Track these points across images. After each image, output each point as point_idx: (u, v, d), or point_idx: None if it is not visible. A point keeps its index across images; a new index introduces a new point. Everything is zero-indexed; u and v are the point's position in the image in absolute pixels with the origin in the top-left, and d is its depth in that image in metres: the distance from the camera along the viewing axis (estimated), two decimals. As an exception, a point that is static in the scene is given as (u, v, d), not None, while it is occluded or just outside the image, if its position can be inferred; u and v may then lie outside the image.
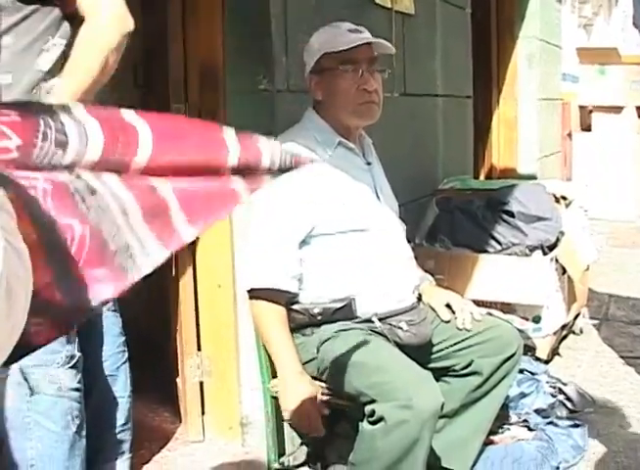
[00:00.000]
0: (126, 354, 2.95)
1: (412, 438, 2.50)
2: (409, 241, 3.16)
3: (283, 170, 1.34)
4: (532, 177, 6.41)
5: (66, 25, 2.38)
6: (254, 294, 2.73)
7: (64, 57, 2.35)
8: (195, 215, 1.27)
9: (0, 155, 1.13)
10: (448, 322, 2.96)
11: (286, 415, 2.73)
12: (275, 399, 2.80)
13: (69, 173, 1.20)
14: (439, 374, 2.90)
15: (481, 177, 6.78)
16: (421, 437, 2.51)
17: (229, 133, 1.30)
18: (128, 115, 1.27)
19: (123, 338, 2.93)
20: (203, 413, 3.35)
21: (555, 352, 4.60)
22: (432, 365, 2.90)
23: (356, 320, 2.77)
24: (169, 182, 1.25)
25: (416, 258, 3.14)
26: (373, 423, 2.56)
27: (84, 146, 1.18)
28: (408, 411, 2.47)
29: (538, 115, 7.37)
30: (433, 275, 3.22)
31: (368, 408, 2.57)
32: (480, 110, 6.54)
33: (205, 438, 3.35)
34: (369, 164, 2.99)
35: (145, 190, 1.23)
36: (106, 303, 1.32)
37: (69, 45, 2.35)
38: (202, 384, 3.31)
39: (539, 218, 4.27)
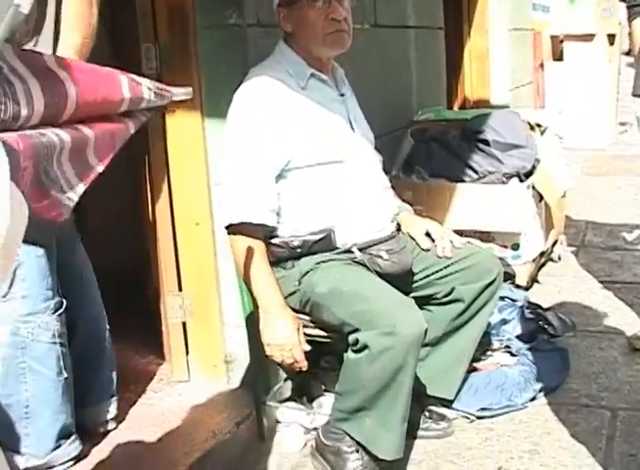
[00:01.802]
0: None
1: (397, 364, 2.53)
2: (386, 173, 3.15)
3: (154, 106, 1.56)
4: (505, 108, 6.39)
5: None
6: (233, 229, 2.72)
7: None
8: (102, 153, 1.43)
9: None
10: (428, 251, 2.97)
11: (268, 350, 2.74)
12: (258, 334, 2.80)
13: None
14: (421, 303, 2.91)
15: (455, 109, 6.74)
16: (405, 363, 2.53)
17: (123, 77, 1.48)
18: (53, 63, 1.35)
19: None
20: (187, 353, 3.34)
21: (534, 279, 4.63)
22: (413, 294, 2.91)
23: (336, 251, 2.77)
24: (85, 125, 1.38)
25: (393, 188, 3.13)
26: (357, 352, 2.58)
27: (31, 107, 1.27)
28: (392, 338, 2.49)
29: (509, 45, 7.33)
30: (411, 206, 3.22)
31: (352, 337, 2.58)
32: (452, 42, 6.49)
33: (190, 377, 3.35)
34: (342, 95, 2.97)
35: (72, 131, 1.33)
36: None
37: None
38: (184, 324, 3.31)
39: (515, 146, 4.26)
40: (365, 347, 2.54)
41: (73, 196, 1.39)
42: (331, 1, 2.77)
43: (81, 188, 1.41)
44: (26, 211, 1.22)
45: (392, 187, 3.12)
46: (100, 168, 1.43)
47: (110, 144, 1.45)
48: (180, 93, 1.61)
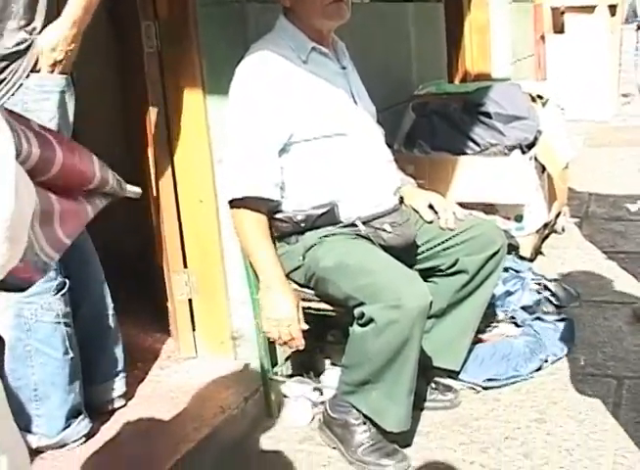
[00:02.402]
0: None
1: (403, 337, 2.54)
2: (388, 146, 3.15)
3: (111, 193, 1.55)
4: (507, 80, 6.37)
5: None
6: (236, 204, 2.73)
7: None
8: (68, 227, 1.41)
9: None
10: (431, 223, 2.97)
11: (265, 325, 2.77)
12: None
13: None
14: (426, 275, 2.92)
15: (456, 82, 6.73)
16: (411, 335, 2.55)
17: (94, 157, 1.48)
18: (39, 126, 1.37)
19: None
20: (193, 330, 3.36)
21: (538, 250, 4.63)
22: (418, 266, 2.92)
23: (340, 225, 2.78)
24: (54, 196, 1.37)
25: (396, 162, 3.14)
26: (363, 325, 2.59)
27: (29, 148, 1.28)
28: (397, 311, 2.50)
29: (510, 18, 7.31)
30: (414, 179, 3.22)
31: (357, 311, 2.59)
32: (452, 15, 6.46)
33: (197, 354, 3.36)
34: (344, 68, 2.96)
35: (42, 194, 1.32)
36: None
37: None
38: (190, 301, 3.32)
39: (516, 118, 4.25)
40: (371, 320, 2.55)
41: (47, 261, 1.38)
42: None
43: (54, 255, 1.39)
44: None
45: (395, 160, 3.12)
46: (68, 241, 1.42)
47: (74, 221, 1.45)
48: (131, 191, 1.63)
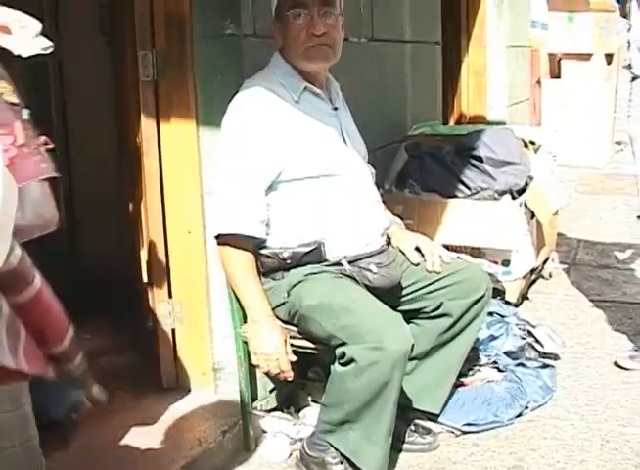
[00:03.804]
0: None
1: (383, 379, 2.54)
2: (378, 187, 3.17)
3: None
4: (502, 124, 6.41)
5: None
6: (222, 240, 2.74)
7: None
8: (29, 358, 1.42)
9: None
10: (418, 265, 2.98)
11: (254, 359, 2.76)
12: (247, 344, 2.82)
13: None
14: (410, 317, 2.93)
15: (451, 124, 6.76)
16: (392, 378, 2.55)
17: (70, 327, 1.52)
18: None
19: None
20: (175, 360, 3.35)
21: (524, 296, 4.64)
22: (402, 308, 2.92)
23: (325, 264, 2.79)
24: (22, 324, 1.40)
25: (384, 202, 3.15)
26: (344, 365, 2.59)
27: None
28: (379, 353, 2.50)
29: (507, 62, 7.35)
30: (402, 220, 3.23)
31: (339, 351, 2.59)
32: (450, 57, 6.52)
33: (178, 384, 3.36)
34: (335, 108, 2.98)
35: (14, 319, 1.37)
36: None
37: None
38: (174, 331, 3.31)
39: (508, 163, 4.28)
40: (352, 360, 2.55)
41: (8, 363, 1.38)
42: (312, 16, 2.79)
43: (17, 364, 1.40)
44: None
45: (383, 201, 3.14)
46: (25, 369, 1.42)
47: (34, 358, 1.45)
48: (96, 393, 1.66)
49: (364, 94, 4.04)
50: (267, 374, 2.84)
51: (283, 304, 2.79)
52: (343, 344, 2.58)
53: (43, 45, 1.98)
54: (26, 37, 1.96)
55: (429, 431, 3.13)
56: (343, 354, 2.57)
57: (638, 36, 3.66)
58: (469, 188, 4.27)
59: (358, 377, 2.55)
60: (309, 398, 3.28)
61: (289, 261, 2.77)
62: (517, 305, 4.34)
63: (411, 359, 2.76)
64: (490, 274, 3.59)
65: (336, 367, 2.64)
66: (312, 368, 3.31)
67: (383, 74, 4.58)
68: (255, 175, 2.72)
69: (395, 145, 4.64)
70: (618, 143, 9.76)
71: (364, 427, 2.65)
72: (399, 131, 4.82)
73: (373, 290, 2.76)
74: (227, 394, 3.25)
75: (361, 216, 2.88)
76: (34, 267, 1.37)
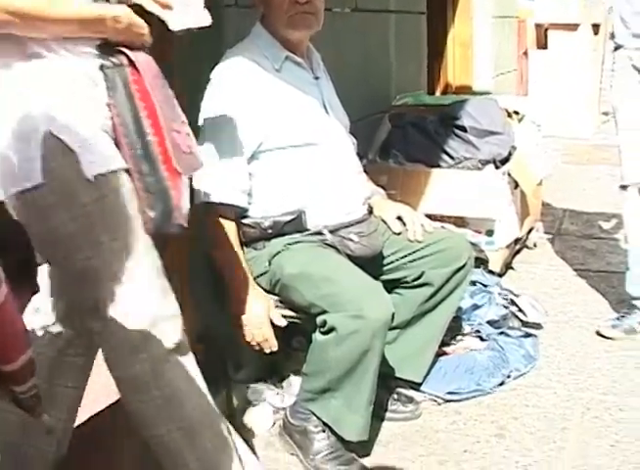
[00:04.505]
0: None
1: (363, 347, 2.55)
2: (362, 157, 3.17)
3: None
4: (487, 94, 6.40)
5: None
6: (204, 209, 2.73)
7: None
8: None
9: None
10: (399, 234, 2.98)
11: (238, 328, 2.76)
12: (229, 313, 2.82)
13: None
14: (391, 286, 2.94)
15: (437, 94, 6.74)
16: (372, 346, 2.56)
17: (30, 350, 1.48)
18: None
19: None
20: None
21: (508, 265, 4.65)
22: (383, 277, 2.93)
23: (307, 233, 2.79)
24: None
25: (367, 172, 3.15)
26: (325, 333, 2.60)
27: None
28: (359, 321, 2.51)
29: (494, 33, 7.34)
30: (385, 190, 3.23)
31: (320, 319, 2.60)
32: (436, 28, 6.49)
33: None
34: (317, 78, 2.97)
35: None
36: None
37: None
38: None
39: (491, 133, 4.28)
40: (332, 329, 2.56)
41: None
42: None
43: None
44: None
45: (366, 172, 3.14)
46: None
47: None
48: (46, 420, 1.65)
49: (348, 64, 4.03)
50: (251, 345, 2.83)
51: (264, 273, 2.79)
52: (324, 312, 2.59)
53: (201, 22, 2.03)
54: (184, 12, 2.04)
55: (411, 400, 3.15)
56: (324, 323, 2.58)
57: (620, 5, 3.64)
58: (452, 158, 4.27)
59: (339, 345, 2.56)
60: (292, 367, 3.28)
61: (270, 231, 2.77)
62: (501, 275, 4.35)
63: (393, 328, 2.77)
64: (474, 244, 3.61)
65: (317, 336, 2.65)
66: (295, 338, 3.32)
67: (367, 45, 4.57)
68: (237, 145, 2.72)
69: (379, 115, 4.64)
70: (605, 114, 9.74)
71: (345, 395, 2.66)
72: (383, 102, 4.81)
73: (354, 259, 2.77)
74: (211, 364, 3.25)
75: (342, 186, 2.88)
76: (2, 279, 1.36)
